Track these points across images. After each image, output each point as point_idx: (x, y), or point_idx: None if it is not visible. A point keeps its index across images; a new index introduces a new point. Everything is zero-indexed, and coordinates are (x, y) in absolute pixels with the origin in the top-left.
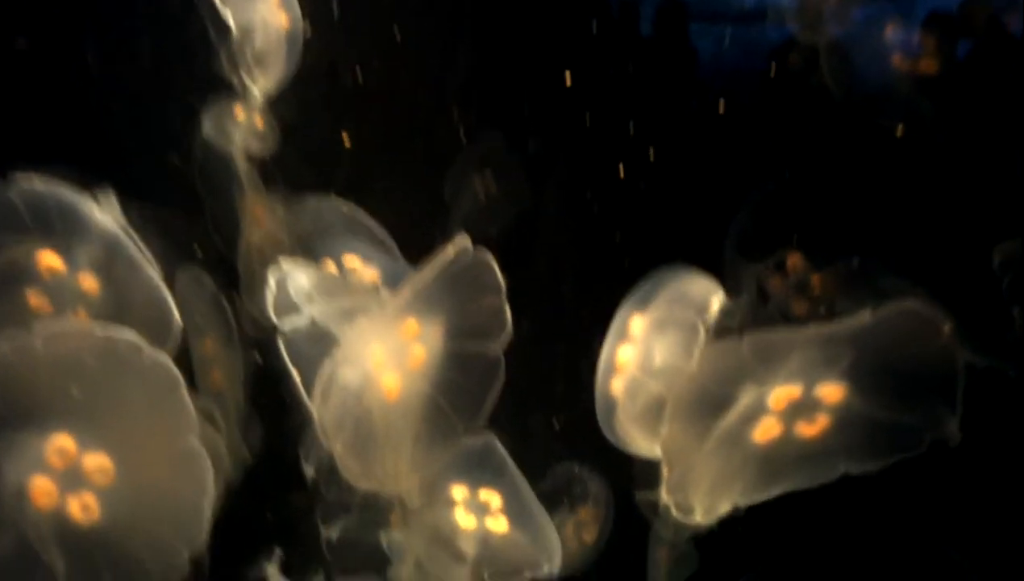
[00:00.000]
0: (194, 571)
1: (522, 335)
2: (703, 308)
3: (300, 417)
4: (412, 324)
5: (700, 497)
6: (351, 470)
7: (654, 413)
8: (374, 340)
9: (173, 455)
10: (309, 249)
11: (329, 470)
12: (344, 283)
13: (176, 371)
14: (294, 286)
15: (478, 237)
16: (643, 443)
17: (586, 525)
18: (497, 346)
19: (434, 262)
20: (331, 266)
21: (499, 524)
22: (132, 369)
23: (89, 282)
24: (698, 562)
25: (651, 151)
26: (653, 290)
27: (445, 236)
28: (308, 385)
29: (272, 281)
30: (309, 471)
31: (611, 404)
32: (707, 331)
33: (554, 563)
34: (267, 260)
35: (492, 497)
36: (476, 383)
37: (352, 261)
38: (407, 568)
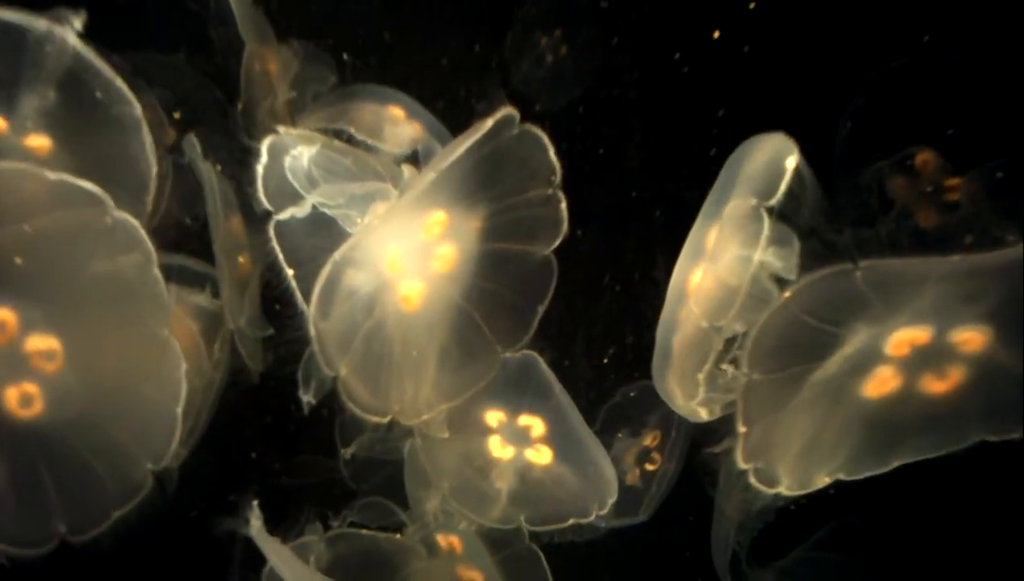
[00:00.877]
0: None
1: (579, 238)
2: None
3: (297, 331)
4: (439, 217)
5: (788, 464)
6: (359, 398)
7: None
8: (391, 235)
9: (138, 346)
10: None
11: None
12: (355, 159)
13: (147, 241)
14: (292, 162)
15: (535, 112)
16: (705, 399)
17: (650, 457)
18: (547, 246)
19: (467, 136)
20: (358, 123)
21: (541, 455)
22: (90, 229)
23: (38, 140)
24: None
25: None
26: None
27: (490, 107)
28: (307, 290)
29: (264, 155)
30: (307, 398)
31: (667, 349)
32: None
33: (607, 506)
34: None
35: (533, 423)
36: (519, 292)
37: (396, 113)
38: (431, 504)
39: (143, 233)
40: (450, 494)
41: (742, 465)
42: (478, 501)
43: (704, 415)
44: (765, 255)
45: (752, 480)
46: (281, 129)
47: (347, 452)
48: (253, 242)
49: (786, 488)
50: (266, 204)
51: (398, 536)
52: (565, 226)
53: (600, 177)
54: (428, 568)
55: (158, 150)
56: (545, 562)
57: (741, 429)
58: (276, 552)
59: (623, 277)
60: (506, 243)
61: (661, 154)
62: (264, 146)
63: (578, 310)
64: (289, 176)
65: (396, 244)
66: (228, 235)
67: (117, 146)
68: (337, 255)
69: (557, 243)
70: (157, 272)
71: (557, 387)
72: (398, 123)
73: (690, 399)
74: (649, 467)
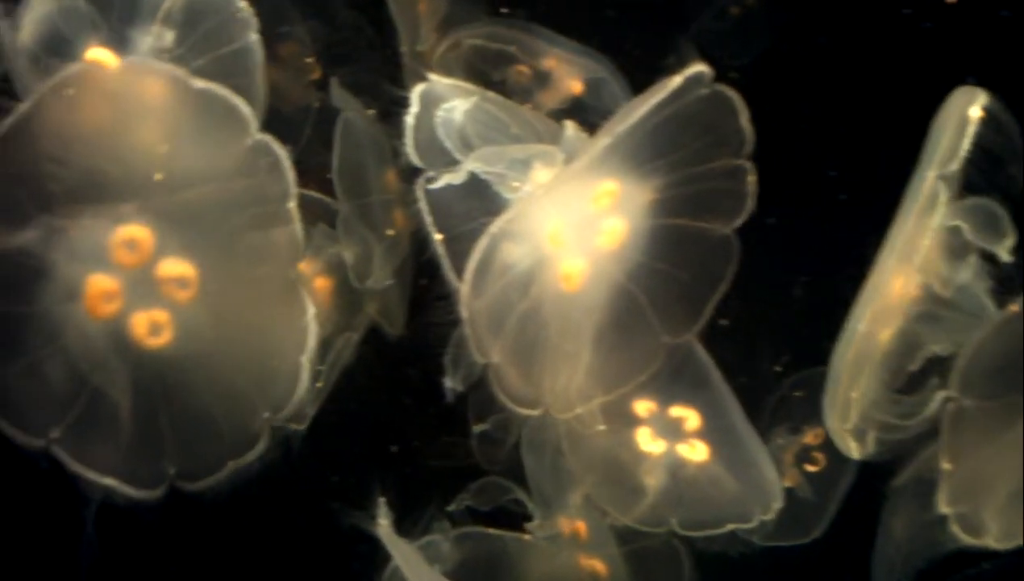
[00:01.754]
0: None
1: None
2: None
3: (446, 310)
4: (610, 187)
5: (997, 510)
6: (510, 388)
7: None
8: (556, 206)
9: (268, 285)
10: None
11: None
12: (513, 115)
13: (288, 170)
14: (443, 117)
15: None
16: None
17: (811, 457)
18: (728, 224)
19: (651, 95)
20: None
21: (696, 451)
22: (231, 149)
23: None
24: None
25: None
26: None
27: (679, 63)
28: (456, 258)
29: (415, 106)
30: (454, 385)
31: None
32: None
33: (771, 511)
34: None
35: (687, 415)
36: (692, 275)
37: (552, 63)
38: (573, 499)
39: (285, 161)
40: (593, 491)
41: (945, 509)
42: (623, 499)
43: (854, 448)
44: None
45: (954, 527)
46: (432, 76)
47: (479, 428)
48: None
49: (994, 539)
50: (415, 159)
51: (527, 536)
52: (751, 202)
53: (788, 150)
54: (547, 555)
55: (303, 84)
56: (687, 563)
57: (946, 466)
58: (404, 556)
59: (808, 267)
60: (682, 218)
61: (863, 125)
62: (415, 94)
63: (751, 299)
64: (440, 133)
65: (560, 216)
66: (381, 188)
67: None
68: (495, 226)
69: (740, 221)
70: (293, 207)
71: (715, 376)
72: (560, 72)
73: (843, 423)
74: (810, 468)
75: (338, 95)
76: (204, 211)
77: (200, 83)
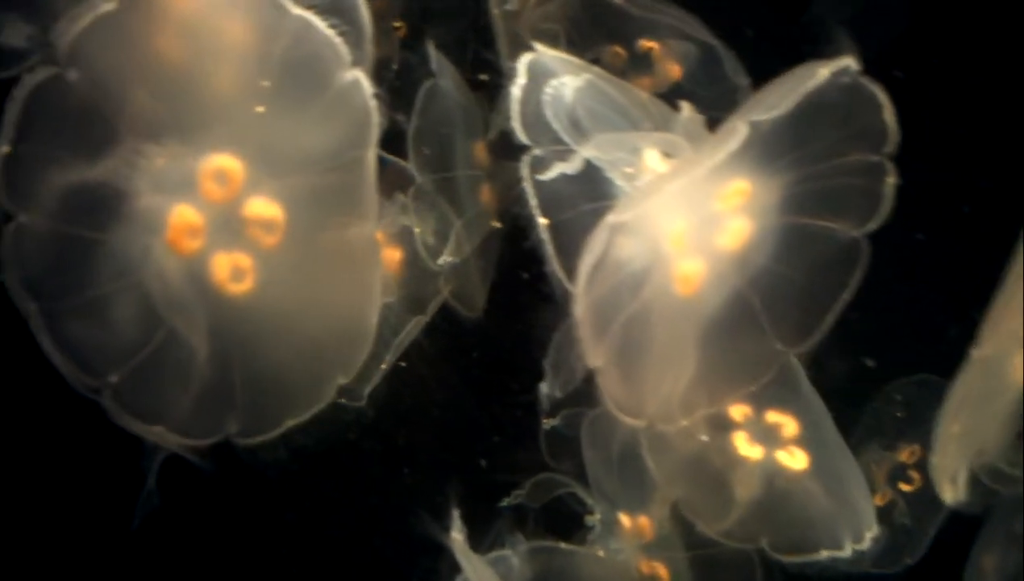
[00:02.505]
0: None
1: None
2: None
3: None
4: (741, 185)
5: None
6: (614, 390)
7: None
8: (679, 204)
9: (347, 238)
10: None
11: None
12: (628, 95)
13: (375, 117)
14: (552, 95)
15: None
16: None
17: (906, 476)
18: (858, 226)
19: (790, 84)
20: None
21: (795, 459)
22: (324, 86)
23: None
24: None
25: None
26: None
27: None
28: (562, 250)
29: (520, 79)
30: (551, 391)
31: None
32: None
33: (863, 540)
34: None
35: (784, 421)
36: (815, 279)
37: (652, 44)
38: (656, 513)
39: (374, 105)
40: (681, 499)
41: None
42: (714, 509)
43: (948, 492)
44: None
45: None
46: (539, 47)
47: (549, 423)
48: (498, 174)
49: None
50: (521, 135)
51: (600, 553)
52: (887, 205)
53: (926, 151)
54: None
55: (389, 43)
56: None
57: None
58: (476, 570)
59: (939, 280)
60: (810, 217)
61: (1001, 126)
62: (521, 64)
63: (870, 310)
64: (547, 111)
65: (684, 214)
66: (467, 162)
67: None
68: (612, 218)
69: (873, 225)
70: (374, 158)
71: (805, 383)
72: (659, 55)
73: (942, 456)
74: (904, 487)
75: (436, 59)
76: (296, 152)
77: (296, 9)
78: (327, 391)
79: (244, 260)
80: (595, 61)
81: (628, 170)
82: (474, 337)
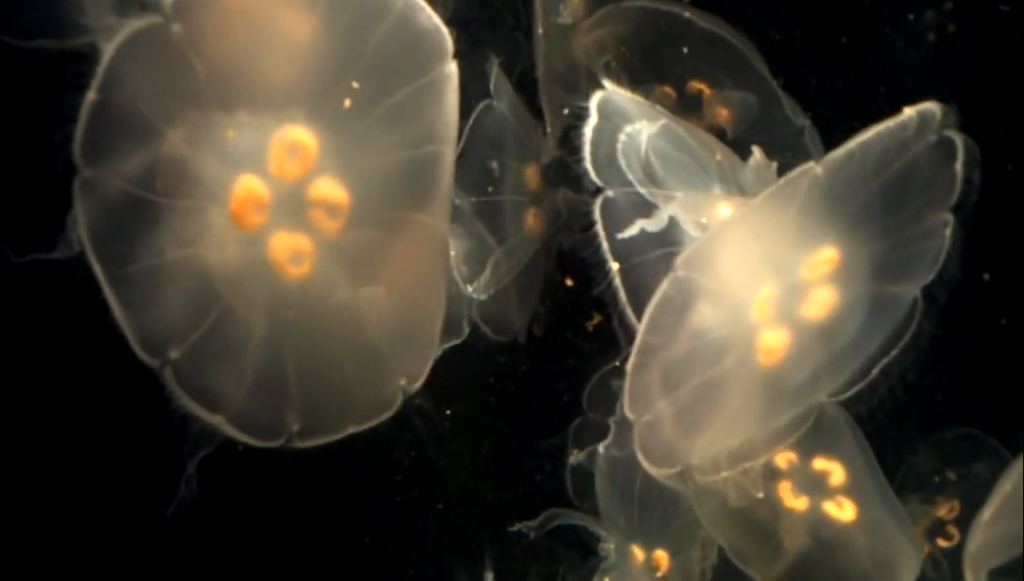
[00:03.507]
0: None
1: None
2: None
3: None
4: (829, 254)
5: None
6: (664, 443)
7: None
8: (765, 270)
9: (416, 239)
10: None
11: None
12: (702, 143)
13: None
14: (625, 142)
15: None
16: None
17: (945, 532)
18: (918, 286)
19: (881, 139)
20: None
21: (844, 511)
22: (416, 75)
23: None
24: None
25: None
26: None
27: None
28: (632, 294)
29: (592, 118)
30: (614, 450)
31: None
32: None
33: None
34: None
35: (832, 468)
36: (875, 340)
37: (702, 87)
38: (697, 560)
39: (454, 101)
40: (727, 548)
41: None
42: (757, 559)
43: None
44: None
45: None
46: (609, 85)
47: (576, 458)
48: (547, 200)
49: None
50: (593, 176)
51: None
52: (943, 259)
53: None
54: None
55: None
56: None
57: None
58: None
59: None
60: (888, 284)
61: None
62: (592, 104)
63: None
64: (622, 161)
65: (771, 281)
66: (515, 188)
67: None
68: (685, 270)
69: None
70: (453, 156)
71: (853, 429)
72: (709, 100)
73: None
74: (942, 543)
75: (495, 80)
76: (373, 136)
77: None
78: (390, 397)
79: (305, 243)
80: (644, 97)
81: (702, 221)
82: (506, 364)
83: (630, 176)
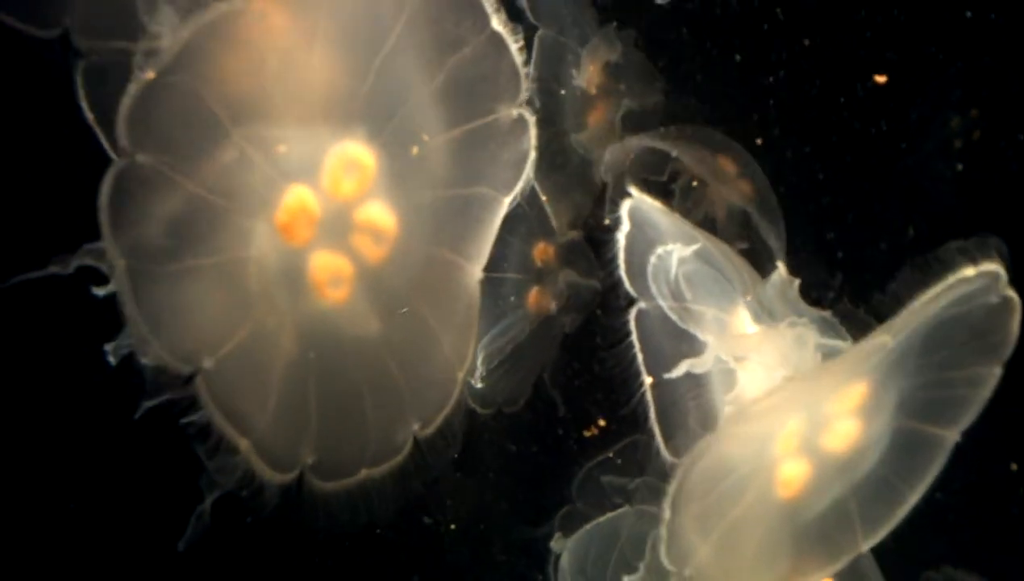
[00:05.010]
0: None
1: None
2: None
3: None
4: (859, 390)
5: None
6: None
7: None
8: (793, 406)
9: (450, 282)
10: None
11: None
12: (728, 263)
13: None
14: (656, 263)
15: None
16: None
17: None
18: (953, 430)
19: (931, 293)
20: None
21: None
22: (489, 111)
23: None
24: None
25: None
26: None
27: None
28: (662, 408)
29: (624, 226)
30: None
31: None
32: None
33: None
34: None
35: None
36: (905, 480)
37: (726, 165)
38: None
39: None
40: None
41: None
42: None
43: None
44: None
45: None
46: (635, 192)
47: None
48: (550, 279)
49: None
50: (627, 285)
51: None
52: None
53: None
54: None
55: None
56: None
57: None
58: None
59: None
60: (918, 422)
61: None
62: (624, 210)
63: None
64: (651, 284)
65: (797, 416)
66: (524, 264)
67: None
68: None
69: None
70: (506, 206)
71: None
72: (727, 179)
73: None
74: None
75: None
76: (430, 166)
77: (499, 23)
78: (402, 440)
79: (346, 267)
80: (669, 180)
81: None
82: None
83: (660, 301)
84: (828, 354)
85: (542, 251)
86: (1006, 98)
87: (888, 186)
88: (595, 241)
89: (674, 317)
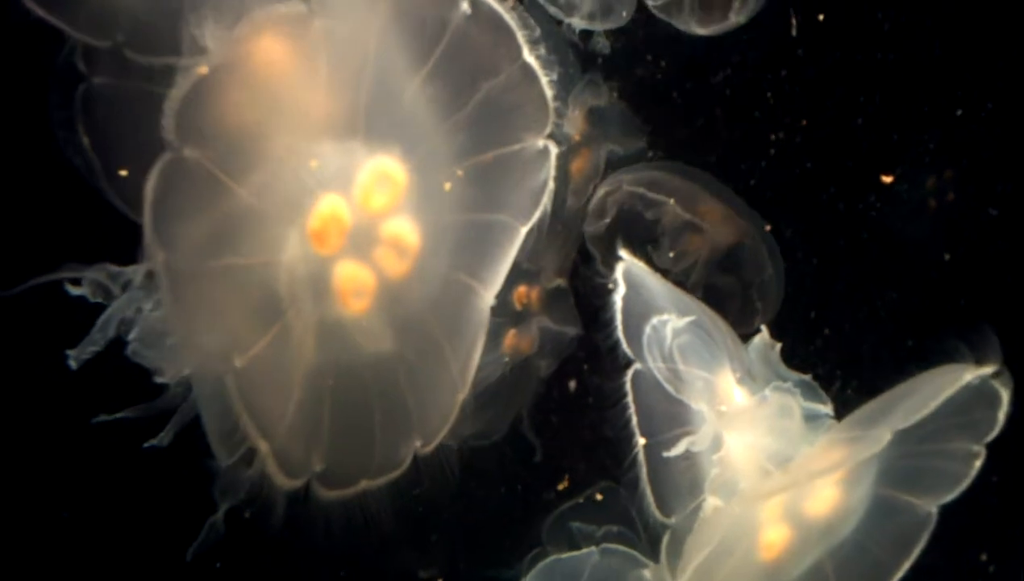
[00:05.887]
0: None
1: None
2: None
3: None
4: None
5: None
6: None
7: None
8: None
9: (462, 301)
10: None
11: None
12: (717, 331)
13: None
14: (651, 333)
15: None
16: None
17: None
18: (936, 503)
19: (932, 389)
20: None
21: None
22: (515, 140)
23: None
24: None
25: None
26: None
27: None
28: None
29: (620, 288)
30: None
31: None
32: None
33: None
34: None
35: None
36: (887, 549)
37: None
38: None
39: (552, 182)
40: None
41: None
42: None
43: None
44: None
45: None
46: (625, 255)
47: None
48: (527, 323)
49: None
50: (624, 346)
51: None
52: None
53: None
54: None
55: None
56: None
57: None
58: None
59: None
60: (899, 491)
61: None
62: (619, 273)
63: None
64: (646, 354)
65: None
66: (504, 306)
67: None
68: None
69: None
70: (524, 235)
71: None
72: (713, 222)
73: None
74: None
75: None
76: (458, 190)
77: (530, 55)
78: (403, 456)
79: (369, 279)
80: (655, 221)
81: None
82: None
83: (655, 372)
84: (809, 417)
85: (522, 294)
86: (981, 159)
87: (866, 245)
88: (577, 291)
89: (668, 387)
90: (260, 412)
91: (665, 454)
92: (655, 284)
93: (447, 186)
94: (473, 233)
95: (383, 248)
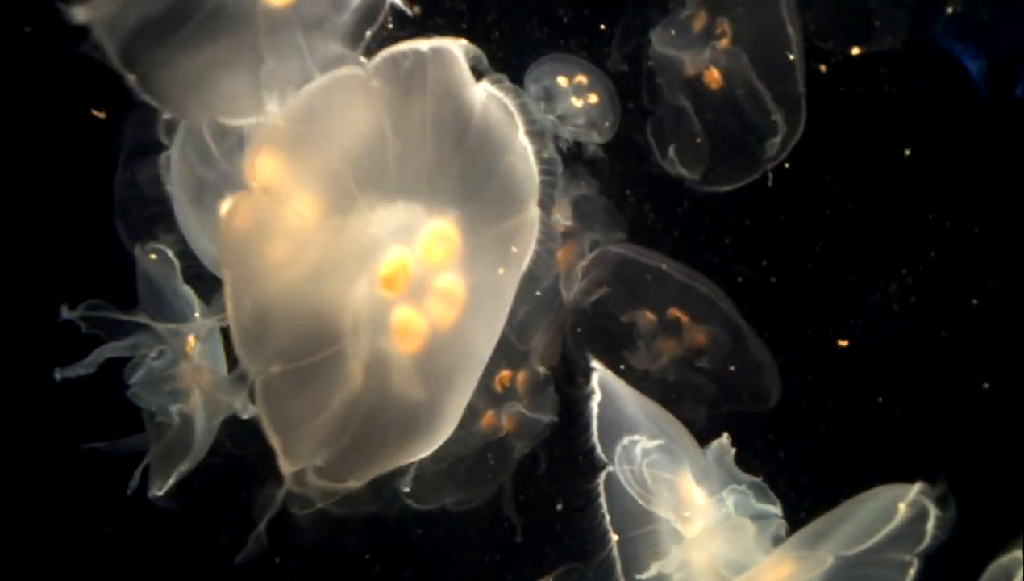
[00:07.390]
0: None
1: None
2: None
3: None
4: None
5: None
6: None
7: None
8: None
9: (474, 350)
10: None
11: None
12: (682, 446)
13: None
14: (621, 453)
15: None
16: None
17: None
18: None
19: (873, 519)
20: None
21: None
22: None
23: None
24: None
25: None
26: None
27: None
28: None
29: (597, 395)
30: None
31: None
32: None
33: None
34: None
35: None
36: None
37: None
38: None
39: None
40: None
41: None
42: None
43: None
44: None
45: None
46: (598, 365)
47: None
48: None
49: None
50: (599, 450)
51: None
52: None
53: None
54: None
55: None
56: None
57: None
58: None
59: None
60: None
61: None
62: (595, 382)
63: None
64: (617, 470)
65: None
66: (485, 389)
67: None
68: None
69: None
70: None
71: None
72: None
73: None
74: None
75: None
76: (488, 250)
77: (525, 138)
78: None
79: (421, 325)
80: (631, 322)
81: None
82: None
83: (626, 486)
84: (759, 516)
85: (505, 378)
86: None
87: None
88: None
89: (638, 500)
90: (285, 417)
91: (639, 577)
92: (626, 394)
93: (487, 249)
94: (497, 290)
95: (433, 297)
